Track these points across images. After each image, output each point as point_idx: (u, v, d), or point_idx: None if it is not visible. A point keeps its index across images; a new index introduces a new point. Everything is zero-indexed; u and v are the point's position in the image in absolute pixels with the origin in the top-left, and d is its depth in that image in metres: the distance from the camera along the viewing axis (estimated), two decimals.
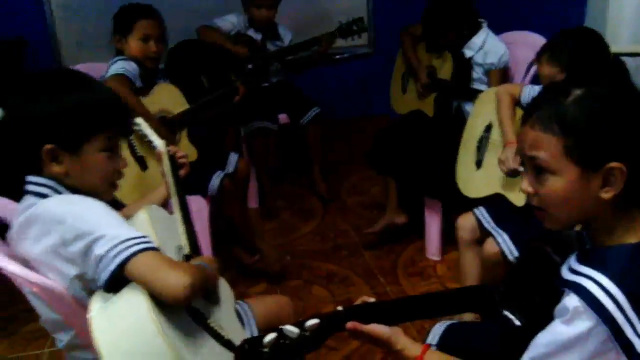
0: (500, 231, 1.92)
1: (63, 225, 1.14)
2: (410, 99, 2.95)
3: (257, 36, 3.10)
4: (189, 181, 2.21)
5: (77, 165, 1.23)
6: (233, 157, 2.53)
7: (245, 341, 1.04)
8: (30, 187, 1.24)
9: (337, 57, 3.97)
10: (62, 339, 1.32)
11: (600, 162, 0.97)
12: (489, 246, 1.92)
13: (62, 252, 1.16)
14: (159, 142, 1.63)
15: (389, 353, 1.15)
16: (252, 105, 2.97)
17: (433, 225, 2.69)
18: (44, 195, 1.22)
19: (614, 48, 3.19)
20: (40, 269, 1.21)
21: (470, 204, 2.22)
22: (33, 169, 1.23)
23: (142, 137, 1.80)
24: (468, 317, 1.98)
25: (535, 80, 2.40)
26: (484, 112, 2.26)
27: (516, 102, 2.06)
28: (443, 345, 1.36)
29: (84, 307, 1.17)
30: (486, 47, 2.66)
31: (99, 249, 1.11)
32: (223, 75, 2.96)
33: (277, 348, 1.02)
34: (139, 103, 2.24)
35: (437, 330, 1.42)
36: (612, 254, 0.99)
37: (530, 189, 1.06)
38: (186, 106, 2.43)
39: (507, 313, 1.18)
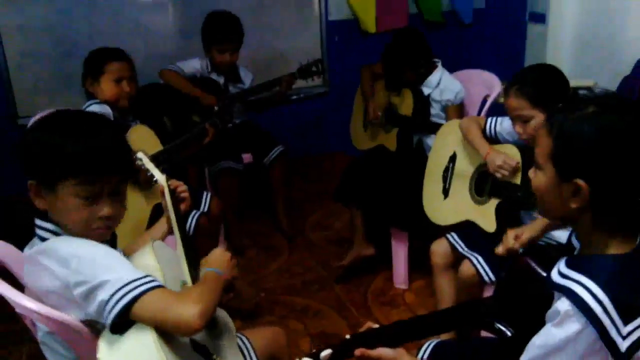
0: (475, 254, 2.03)
1: (66, 270, 1.17)
2: (372, 135, 3.07)
3: (220, 79, 3.17)
4: None
5: (55, 204, 1.24)
6: (206, 196, 2.56)
7: None
8: (37, 231, 1.28)
9: (294, 97, 4.07)
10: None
11: (570, 175, 1.09)
12: (465, 268, 2.02)
13: (66, 294, 1.18)
14: (160, 177, 1.64)
15: None
16: (217, 145, 3.01)
17: (400, 254, 2.78)
18: (45, 239, 1.25)
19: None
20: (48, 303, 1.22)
21: (437, 232, 2.33)
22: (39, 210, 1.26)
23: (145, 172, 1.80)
24: (445, 337, 2.07)
25: (490, 115, 2.56)
26: (447, 143, 2.39)
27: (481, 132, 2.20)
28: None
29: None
30: (442, 84, 2.82)
31: (102, 294, 1.13)
32: (185, 117, 3.01)
33: None
34: None
35: (425, 347, 1.49)
36: (600, 262, 1.10)
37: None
38: (160, 147, 2.45)
39: (499, 325, 1.26)
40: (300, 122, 4.22)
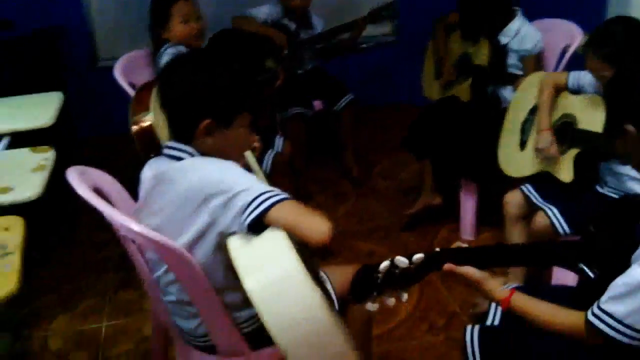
0: (550, 206, 2.02)
1: (208, 181, 1.26)
2: (444, 85, 3.04)
3: (291, 25, 3.18)
4: None
5: (224, 138, 1.35)
6: (279, 139, 2.62)
7: (364, 266, 1.20)
8: (167, 151, 1.37)
9: (363, 45, 4.05)
10: (171, 294, 1.43)
11: None
12: (539, 219, 2.02)
13: (202, 205, 1.26)
14: None
15: (479, 292, 1.26)
16: (288, 91, 3.05)
17: (468, 206, 2.78)
18: (178, 158, 1.34)
19: None
20: (165, 222, 1.31)
21: (507, 184, 2.32)
22: (185, 136, 1.35)
23: None
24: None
25: (569, 67, 2.49)
26: (528, 95, 2.35)
27: (562, 88, 2.16)
28: None
29: (196, 263, 1.28)
30: (521, 33, 2.74)
31: (242, 200, 1.22)
32: (258, 62, 3.05)
33: (387, 275, 1.17)
34: None
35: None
36: None
37: None
38: None
39: (582, 266, 1.28)
40: (368, 71, 4.21)
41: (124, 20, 3.66)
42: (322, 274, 1.62)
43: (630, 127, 1.15)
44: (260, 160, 2.46)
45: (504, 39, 2.78)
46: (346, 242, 2.83)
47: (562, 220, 1.97)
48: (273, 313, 1.12)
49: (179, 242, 1.29)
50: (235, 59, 1.40)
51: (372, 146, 3.81)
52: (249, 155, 1.65)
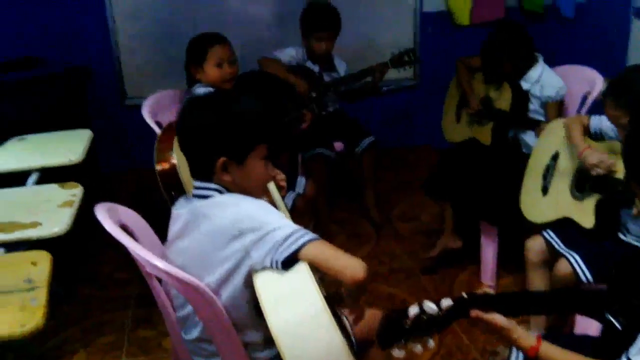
0: (572, 253, 2.00)
1: (242, 218, 1.29)
2: (465, 127, 3.06)
3: (315, 68, 3.23)
4: None
5: (242, 173, 1.38)
6: (301, 180, 2.65)
7: (393, 311, 1.19)
8: (196, 191, 1.40)
9: (384, 88, 4.10)
10: (193, 332, 1.43)
11: None
12: (562, 267, 2.00)
13: (234, 241, 1.28)
14: None
15: (505, 341, 1.25)
16: (311, 132, 3.10)
17: (489, 250, 2.76)
18: (206, 197, 1.37)
19: None
20: (191, 262, 1.34)
21: (528, 229, 2.31)
22: (205, 174, 1.39)
23: None
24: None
25: (590, 114, 2.50)
26: (550, 141, 2.37)
27: (585, 131, 2.16)
28: None
29: (219, 301, 1.29)
30: (543, 80, 2.77)
31: (276, 236, 1.25)
32: (281, 104, 3.10)
33: (416, 321, 1.16)
34: None
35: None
36: None
37: None
38: None
39: (608, 315, 1.26)
40: (388, 113, 4.26)
41: (151, 61, 3.76)
42: (341, 315, 1.62)
43: None
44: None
45: (525, 85, 2.80)
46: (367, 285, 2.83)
47: (584, 268, 1.94)
48: (295, 351, 1.12)
49: (209, 279, 1.31)
50: (251, 97, 1.44)
51: (393, 188, 3.82)
52: (274, 193, 1.66)
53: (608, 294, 1.33)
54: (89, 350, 2.38)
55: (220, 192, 1.38)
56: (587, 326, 1.89)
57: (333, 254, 1.26)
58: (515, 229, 2.47)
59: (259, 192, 1.44)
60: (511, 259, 2.65)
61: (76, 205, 1.76)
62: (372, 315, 1.72)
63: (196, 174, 1.41)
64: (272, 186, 1.66)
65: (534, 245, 2.18)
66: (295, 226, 1.28)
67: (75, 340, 2.43)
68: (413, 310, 1.16)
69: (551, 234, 2.14)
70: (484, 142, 2.90)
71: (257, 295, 1.22)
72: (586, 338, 1.48)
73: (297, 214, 2.50)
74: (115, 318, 2.57)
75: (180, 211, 1.41)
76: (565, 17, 4.03)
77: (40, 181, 2.07)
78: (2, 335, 1.16)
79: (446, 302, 1.18)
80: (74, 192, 1.85)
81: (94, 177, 3.54)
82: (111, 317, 2.58)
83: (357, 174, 3.41)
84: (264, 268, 1.26)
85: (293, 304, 1.20)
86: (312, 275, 1.22)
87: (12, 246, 1.65)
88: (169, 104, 2.65)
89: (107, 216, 1.39)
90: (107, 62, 3.72)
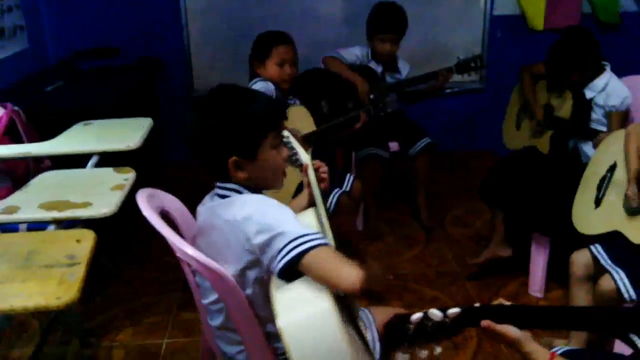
0: (618, 269, 1.93)
1: (249, 221, 1.31)
2: (525, 135, 2.99)
3: (378, 68, 3.24)
4: None
5: (256, 167, 1.41)
6: (349, 178, 2.67)
7: (396, 315, 1.17)
8: (217, 191, 1.46)
9: (448, 91, 4.07)
10: (217, 320, 1.49)
11: None
12: (605, 282, 1.94)
13: (243, 242, 1.32)
14: (305, 156, 1.76)
15: (517, 353, 1.23)
16: (367, 131, 3.11)
17: (539, 261, 2.70)
18: (226, 197, 1.43)
19: None
20: (214, 254, 1.38)
21: (580, 241, 2.24)
22: (222, 175, 1.44)
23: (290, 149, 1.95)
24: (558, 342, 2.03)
25: None
26: (609, 152, 2.29)
27: None
28: None
29: (243, 293, 1.34)
30: (608, 89, 2.66)
31: (279, 243, 1.25)
32: (341, 102, 3.14)
33: (420, 327, 1.15)
34: None
35: (556, 350, 1.47)
36: None
37: None
38: (314, 128, 2.60)
39: (633, 337, 1.22)
40: (453, 116, 4.21)
41: (220, 56, 3.89)
42: (368, 316, 1.64)
43: None
44: (325, 196, 2.51)
45: (589, 93, 2.71)
46: (410, 285, 2.82)
47: (628, 285, 1.88)
48: (300, 353, 1.15)
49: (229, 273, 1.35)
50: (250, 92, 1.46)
51: (450, 191, 3.79)
52: (314, 185, 1.67)
53: (637, 312, 1.29)
54: (135, 329, 2.51)
55: (239, 191, 1.41)
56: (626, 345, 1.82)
57: (328, 263, 1.21)
58: (568, 241, 2.40)
59: (278, 180, 1.47)
60: (562, 272, 2.56)
61: (127, 189, 1.86)
62: (395, 313, 1.73)
63: (214, 175, 1.45)
64: (312, 177, 1.67)
65: (580, 259, 2.12)
66: (298, 232, 1.25)
67: (122, 318, 2.57)
68: (416, 316, 1.15)
69: (599, 248, 2.07)
70: (543, 150, 2.83)
71: (270, 296, 1.24)
72: (619, 357, 1.43)
73: (341, 212, 2.54)
74: (162, 300, 2.69)
75: (201, 208, 1.46)
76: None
77: (100, 164, 2.20)
78: (38, 306, 1.24)
79: (453, 310, 1.17)
80: (127, 177, 1.95)
81: (154, 164, 3.71)
82: (158, 298, 2.70)
83: (411, 176, 3.39)
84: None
85: (302, 307, 1.20)
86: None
87: (65, 224, 1.77)
88: None
89: (147, 201, 1.47)
90: (179, 55, 3.88)
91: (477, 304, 1.24)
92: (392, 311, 1.74)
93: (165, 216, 1.60)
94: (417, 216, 3.39)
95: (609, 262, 2.00)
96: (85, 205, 1.75)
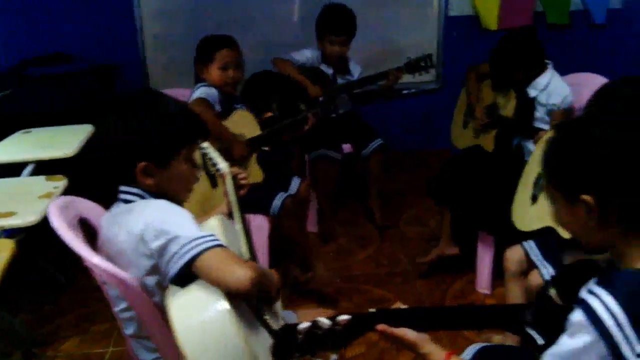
0: (547, 264, 1.96)
1: (147, 227, 1.31)
2: (471, 134, 3.02)
3: (329, 70, 3.25)
4: (253, 201, 2.38)
5: (165, 176, 1.42)
6: (295, 181, 2.69)
7: (283, 327, 1.18)
8: (121, 195, 1.45)
9: (405, 92, 4.10)
10: (130, 328, 1.50)
11: (574, 194, 1.09)
12: (534, 278, 1.96)
13: (142, 248, 1.32)
14: (223, 165, 1.77)
15: (416, 356, 1.24)
16: (319, 134, 3.13)
17: (485, 259, 2.73)
18: (130, 202, 1.42)
19: None
20: (119, 263, 1.38)
21: (523, 239, 2.27)
22: (126, 180, 1.43)
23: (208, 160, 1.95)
24: (497, 339, 2.04)
25: None
26: None
27: None
28: None
29: (150, 299, 1.34)
30: (550, 87, 2.70)
31: (174, 247, 1.26)
32: (293, 104, 3.14)
33: (309, 336, 1.14)
34: (220, 125, 2.47)
35: (472, 349, 1.49)
36: (623, 276, 1.07)
37: None
38: (259, 132, 2.61)
39: (531, 332, 1.24)
40: (411, 116, 4.24)
41: (176, 60, 3.87)
42: (289, 314, 1.65)
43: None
44: (270, 200, 2.53)
45: (532, 92, 2.74)
46: (360, 286, 2.84)
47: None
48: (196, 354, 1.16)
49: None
50: (171, 99, 1.46)
51: (408, 191, 3.81)
52: (231, 193, 1.69)
53: (536, 309, 1.30)
54: (81, 337, 2.49)
55: (142, 197, 1.41)
56: None
57: (219, 264, 1.23)
58: (512, 239, 2.43)
59: (184, 194, 1.47)
60: None
61: (55, 197, 1.85)
62: (322, 314, 1.74)
63: (118, 179, 1.44)
64: (229, 185, 1.68)
65: (514, 255, 2.14)
66: (191, 235, 1.26)
67: (69, 327, 2.55)
68: (303, 325, 1.14)
69: (531, 243, 2.10)
70: (487, 149, 2.86)
71: (165, 300, 1.25)
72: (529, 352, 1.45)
73: (286, 216, 2.55)
74: (107, 307, 2.67)
75: (105, 216, 1.46)
76: (595, 23, 3.92)
77: (37, 173, 2.19)
78: None
79: (343, 317, 1.17)
80: (57, 185, 1.95)
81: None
82: (105, 306, 2.69)
83: (365, 177, 3.41)
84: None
85: (196, 310, 1.22)
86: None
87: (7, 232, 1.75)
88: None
89: (58, 211, 1.45)
90: (134, 60, 3.86)
91: (372, 309, 1.24)
92: (320, 313, 1.78)
93: (86, 224, 1.60)
94: (372, 217, 3.41)
95: (540, 257, 2.03)
96: (10, 214, 1.74)
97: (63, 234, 1.40)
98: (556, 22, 3.93)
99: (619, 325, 1.00)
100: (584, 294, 1.08)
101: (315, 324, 1.15)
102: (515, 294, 2.14)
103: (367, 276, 2.92)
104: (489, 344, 1.55)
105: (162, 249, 1.28)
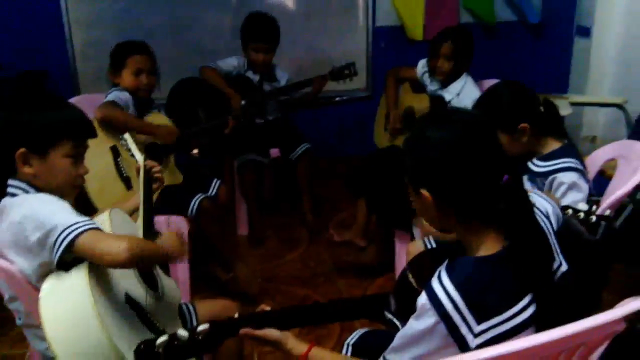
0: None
1: (26, 220, 1.35)
2: (389, 135, 3.15)
3: (255, 77, 3.32)
4: (173, 202, 2.43)
5: (44, 167, 1.44)
6: (215, 183, 2.74)
7: (142, 342, 1.21)
8: (8, 189, 1.47)
9: (337, 99, 4.21)
10: (21, 317, 1.53)
11: (415, 188, 1.21)
12: (413, 248, 2.08)
13: (22, 242, 1.36)
14: (139, 157, 1.83)
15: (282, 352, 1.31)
16: (245, 139, 3.20)
17: (402, 256, 2.81)
18: (14, 195, 1.45)
19: (595, 98, 3.36)
20: (5, 254, 1.42)
21: None
22: (9, 170, 1.45)
23: (127, 151, 2.00)
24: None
25: None
26: None
27: None
28: (357, 345, 1.52)
29: (35, 289, 1.37)
30: (462, 93, 2.85)
31: (52, 237, 1.31)
32: (219, 110, 3.19)
33: (169, 349, 1.19)
34: (136, 120, 2.54)
35: (357, 333, 1.57)
36: (462, 263, 1.16)
37: None
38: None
39: (390, 317, 1.33)
40: (343, 122, 4.34)
41: (106, 65, 3.86)
42: (187, 306, 1.71)
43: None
44: (187, 202, 2.57)
45: (447, 96, 2.88)
46: (282, 287, 2.90)
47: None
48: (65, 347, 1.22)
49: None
50: (52, 98, 1.51)
51: (337, 196, 3.89)
52: (140, 180, 1.73)
53: (394, 296, 1.39)
54: (1, 339, 2.49)
55: (26, 191, 1.44)
56: None
57: (95, 242, 1.29)
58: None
59: (67, 189, 1.49)
60: None
61: None
62: (222, 305, 1.80)
63: (3, 172, 1.46)
64: (141, 176, 1.74)
65: (414, 250, 2.22)
66: (67, 222, 1.31)
67: None
68: (161, 339, 1.18)
69: (432, 240, 2.20)
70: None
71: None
72: None
73: (204, 217, 2.59)
74: None
75: None
76: (529, 22, 4.08)
77: None
78: None
79: (202, 327, 1.22)
80: None
81: None
82: None
83: (294, 181, 3.49)
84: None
85: (64, 300, 1.28)
86: (88, 273, 1.31)
87: None
88: (88, 107, 2.75)
89: None
90: (64, 67, 3.86)
91: (235, 315, 1.31)
92: (219, 304, 1.83)
93: None
94: (303, 219, 3.48)
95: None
96: None
97: None
98: (483, 20, 4.08)
99: (457, 308, 1.09)
100: (432, 278, 1.17)
101: (173, 337, 1.20)
102: None
103: (290, 277, 2.99)
104: (370, 329, 1.63)
105: (43, 241, 1.32)
